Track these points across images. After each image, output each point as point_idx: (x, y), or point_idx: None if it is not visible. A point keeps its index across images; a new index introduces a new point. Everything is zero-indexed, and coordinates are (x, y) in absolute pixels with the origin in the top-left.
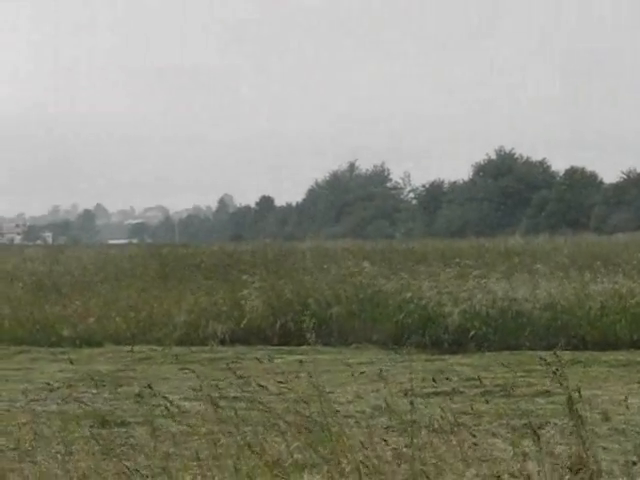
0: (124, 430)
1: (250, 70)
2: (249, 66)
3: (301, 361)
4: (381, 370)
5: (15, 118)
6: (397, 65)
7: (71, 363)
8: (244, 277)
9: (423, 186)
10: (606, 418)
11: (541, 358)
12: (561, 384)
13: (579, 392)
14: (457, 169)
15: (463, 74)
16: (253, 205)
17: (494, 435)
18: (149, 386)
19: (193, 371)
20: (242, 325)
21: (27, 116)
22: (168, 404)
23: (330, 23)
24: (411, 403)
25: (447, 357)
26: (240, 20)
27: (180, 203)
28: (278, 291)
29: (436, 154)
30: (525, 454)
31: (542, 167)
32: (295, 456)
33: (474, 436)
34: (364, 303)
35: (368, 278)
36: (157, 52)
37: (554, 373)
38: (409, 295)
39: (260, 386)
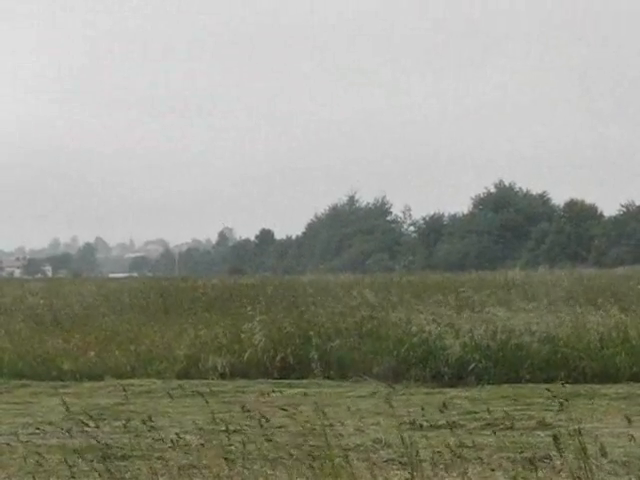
0: (125, 464)
1: (246, 98)
2: (243, 93)
3: (305, 394)
4: (386, 402)
5: (14, 150)
6: (393, 96)
7: (63, 402)
8: (244, 310)
9: (423, 219)
10: (606, 451)
11: (547, 390)
12: (570, 416)
13: (579, 425)
14: (457, 201)
15: (462, 105)
16: (253, 238)
17: (495, 468)
18: (150, 419)
19: (191, 405)
20: (244, 358)
21: (25, 149)
22: (169, 437)
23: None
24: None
25: (447, 390)
26: (232, 44)
27: (180, 236)
28: (278, 324)
29: (436, 186)
30: None
31: (542, 200)
32: None
33: (475, 469)
34: (364, 336)
35: (369, 311)
36: (152, 80)
37: (560, 404)
38: (411, 328)
39: (262, 419)
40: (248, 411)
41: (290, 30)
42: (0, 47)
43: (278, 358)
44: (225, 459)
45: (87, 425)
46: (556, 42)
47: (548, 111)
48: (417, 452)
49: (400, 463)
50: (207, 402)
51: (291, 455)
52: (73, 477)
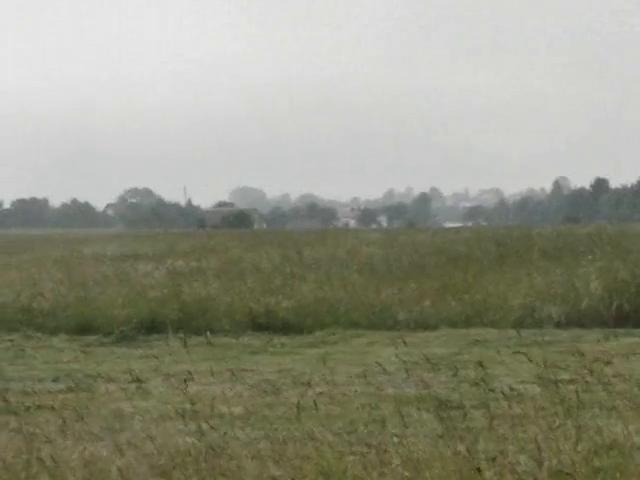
0: (460, 413)
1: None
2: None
3: None
4: None
5: (361, 100)
6: None
7: (405, 345)
8: (579, 259)
9: None
10: None
11: None
12: None
13: None
14: None
15: None
16: (588, 187)
17: None
18: (485, 369)
19: (526, 354)
20: (580, 307)
21: (371, 97)
22: (504, 387)
23: None
24: None
25: None
26: None
27: (515, 185)
28: (614, 273)
29: None
30: None
31: None
32: (634, 439)
33: None
34: None
35: None
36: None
37: None
38: None
39: (599, 368)
40: (582, 361)
41: None
42: None
43: (614, 307)
44: (560, 408)
45: (424, 374)
46: None
47: None
48: None
49: None
50: (543, 351)
51: (627, 405)
52: (407, 426)
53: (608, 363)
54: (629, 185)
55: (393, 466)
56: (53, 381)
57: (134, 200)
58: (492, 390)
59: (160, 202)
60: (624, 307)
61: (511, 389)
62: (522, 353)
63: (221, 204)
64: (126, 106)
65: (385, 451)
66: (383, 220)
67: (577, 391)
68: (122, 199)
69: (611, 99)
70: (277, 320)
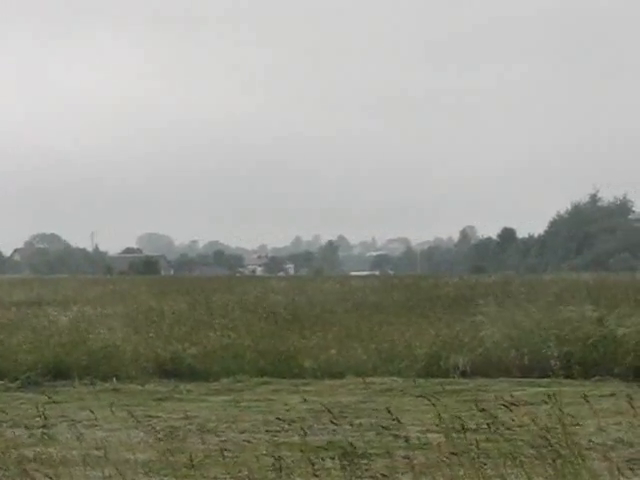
0: (365, 462)
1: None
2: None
3: (546, 393)
4: (628, 402)
5: (255, 150)
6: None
7: (304, 400)
8: (485, 309)
9: None
10: None
11: None
12: None
13: None
14: None
15: None
16: (495, 237)
17: None
18: (390, 418)
19: (433, 404)
20: (485, 357)
21: (264, 147)
22: (410, 436)
23: None
24: None
25: None
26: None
27: (422, 234)
28: (518, 323)
29: None
30: None
31: None
32: None
33: None
34: (606, 336)
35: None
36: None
37: None
38: None
39: (502, 418)
40: (486, 410)
41: None
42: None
43: (518, 357)
44: (464, 457)
45: (329, 423)
46: None
47: None
48: None
49: None
50: (448, 400)
51: (530, 454)
52: (313, 474)
53: (512, 413)
54: (536, 235)
55: None
56: None
57: (41, 245)
58: (398, 439)
59: (67, 248)
60: (529, 357)
61: (416, 438)
62: (427, 402)
63: (128, 250)
64: (32, 149)
65: None
66: (290, 268)
67: (481, 440)
68: (29, 244)
69: (519, 147)
70: (183, 367)
